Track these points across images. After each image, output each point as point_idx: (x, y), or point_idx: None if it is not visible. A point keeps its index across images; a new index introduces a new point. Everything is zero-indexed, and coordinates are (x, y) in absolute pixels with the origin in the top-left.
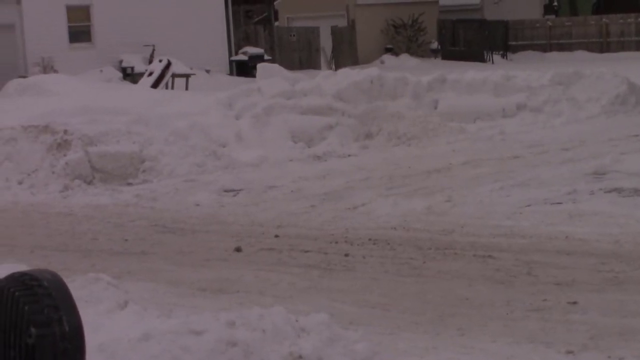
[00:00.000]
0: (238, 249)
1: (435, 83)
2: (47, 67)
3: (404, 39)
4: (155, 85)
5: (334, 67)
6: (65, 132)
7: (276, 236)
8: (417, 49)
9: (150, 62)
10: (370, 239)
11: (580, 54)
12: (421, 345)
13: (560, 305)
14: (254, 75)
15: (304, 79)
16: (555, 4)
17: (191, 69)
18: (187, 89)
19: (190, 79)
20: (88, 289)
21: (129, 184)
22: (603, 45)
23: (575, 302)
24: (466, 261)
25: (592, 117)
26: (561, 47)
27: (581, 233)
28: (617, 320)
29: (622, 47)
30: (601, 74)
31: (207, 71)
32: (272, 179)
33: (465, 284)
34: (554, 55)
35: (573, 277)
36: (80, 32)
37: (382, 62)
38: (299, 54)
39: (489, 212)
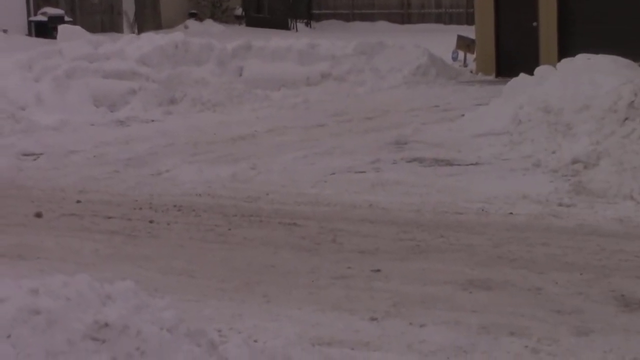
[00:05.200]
0: (38, 215)
1: (240, 50)
2: None
3: (208, 4)
4: None
5: (136, 31)
6: None
7: (78, 202)
8: (221, 15)
9: None
10: (175, 206)
11: (382, 24)
12: (227, 312)
13: (364, 273)
14: (54, 37)
15: (107, 42)
16: None
17: None
18: None
19: None
20: None
21: None
22: (404, 16)
23: (378, 270)
24: (271, 228)
25: (395, 87)
26: (364, 17)
27: (384, 202)
28: (418, 288)
29: (423, 19)
30: (403, 45)
31: (5, 31)
32: (74, 144)
33: (271, 252)
34: (356, 25)
35: (376, 246)
36: None
37: (186, 27)
38: (101, 17)
39: (293, 180)
